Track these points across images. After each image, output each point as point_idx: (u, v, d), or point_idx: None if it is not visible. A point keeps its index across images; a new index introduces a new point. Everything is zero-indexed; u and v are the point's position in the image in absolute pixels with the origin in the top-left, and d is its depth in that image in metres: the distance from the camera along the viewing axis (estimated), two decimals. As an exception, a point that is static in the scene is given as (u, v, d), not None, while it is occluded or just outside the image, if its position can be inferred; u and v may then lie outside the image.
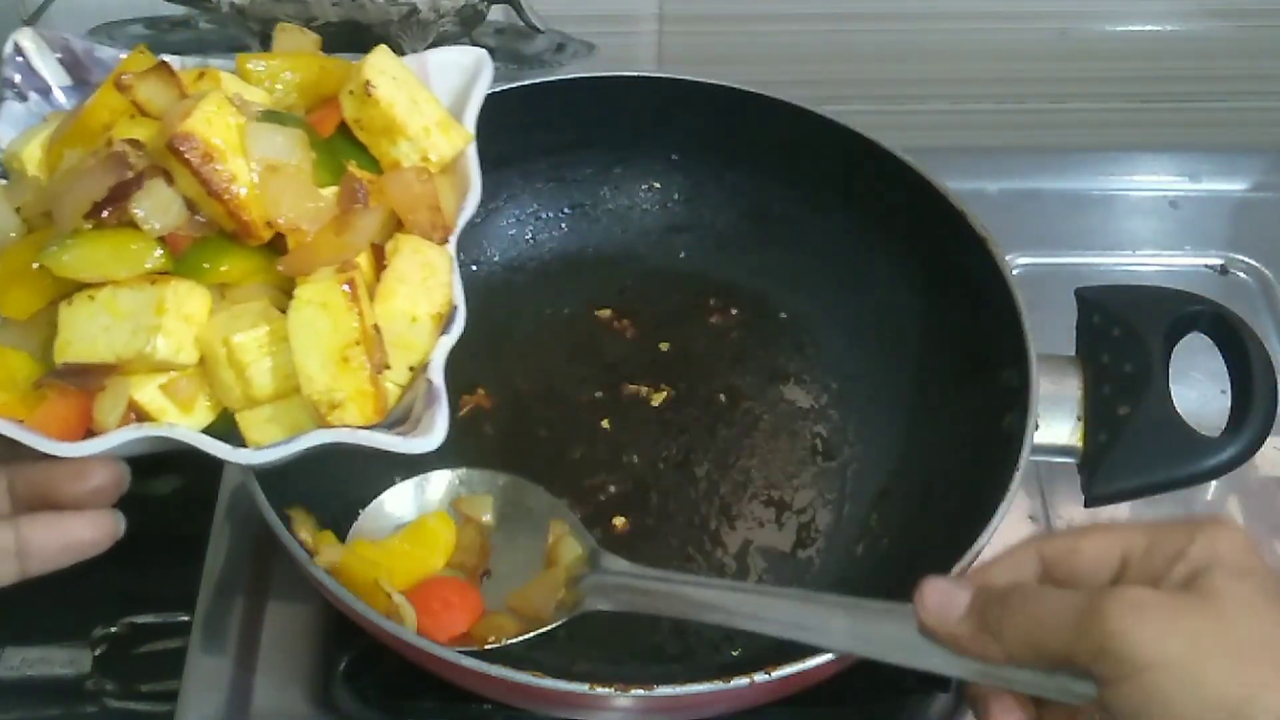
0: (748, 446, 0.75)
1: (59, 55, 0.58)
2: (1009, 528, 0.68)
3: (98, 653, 0.74)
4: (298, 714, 0.67)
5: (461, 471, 0.66)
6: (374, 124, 0.54)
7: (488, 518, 0.65)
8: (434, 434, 0.47)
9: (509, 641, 0.60)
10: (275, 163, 0.50)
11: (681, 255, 0.85)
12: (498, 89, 0.75)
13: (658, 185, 0.85)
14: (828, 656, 0.55)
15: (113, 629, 0.75)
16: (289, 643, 0.69)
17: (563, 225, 0.85)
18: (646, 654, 0.67)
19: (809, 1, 0.94)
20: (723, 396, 0.78)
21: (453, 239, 0.55)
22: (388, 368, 0.50)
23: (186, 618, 0.70)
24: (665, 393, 0.78)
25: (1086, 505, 0.64)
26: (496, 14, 0.89)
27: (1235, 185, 0.95)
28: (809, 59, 0.97)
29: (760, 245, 0.83)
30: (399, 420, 0.49)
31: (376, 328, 0.49)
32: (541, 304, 0.81)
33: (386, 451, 0.48)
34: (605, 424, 0.76)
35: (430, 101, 0.56)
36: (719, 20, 0.94)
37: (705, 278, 0.83)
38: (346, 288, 0.48)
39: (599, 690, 0.55)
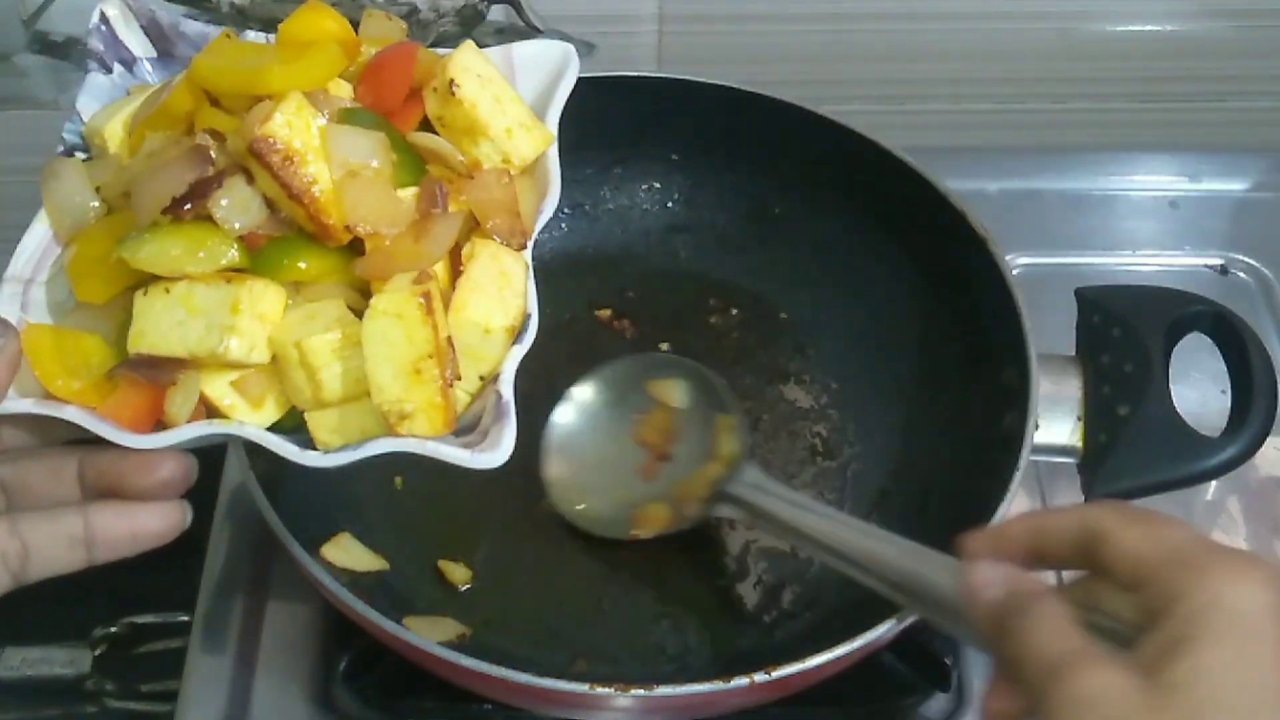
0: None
1: (143, 25, 0.58)
2: (1009, 528, 0.69)
3: (98, 653, 0.74)
4: (298, 714, 0.67)
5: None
6: (456, 123, 0.53)
7: (679, 403, 0.69)
8: (500, 450, 0.47)
9: (654, 534, 0.66)
10: (355, 166, 0.50)
11: (681, 255, 0.85)
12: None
13: (658, 185, 0.85)
14: (827, 656, 0.56)
15: (113, 629, 0.75)
16: (289, 643, 0.69)
17: (562, 225, 0.85)
18: (646, 654, 0.67)
19: (809, 1, 0.94)
20: (723, 396, 0.78)
21: (529, 243, 0.54)
22: (459, 379, 0.50)
23: (186, 618, 0.70)
24: (665, 393, 0.78)
25: (1087, 505, 0.64)
26: (497, 14, 0.89)
27: (1235, 185, 0.95)
28: (809, 59, 0.97)
29: (760, 245, 0.83)
30: (468, 428, 0.49)
31: (449, 340, 0.49)
32: (541, 304, 0.80)
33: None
34: (605, 424, 0.76)
35: (514, 100, 0.55)
36: (719, 20, 0.94)
37: (705, 278, 0.83)
38: (422, 300, 0.47)
39: (599, 690, 0.55)
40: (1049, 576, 0.50)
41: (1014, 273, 0.69)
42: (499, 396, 0.49)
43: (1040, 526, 0.49)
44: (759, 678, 0.55)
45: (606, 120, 0.80)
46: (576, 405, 0.73)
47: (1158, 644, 0.41)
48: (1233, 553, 0.44)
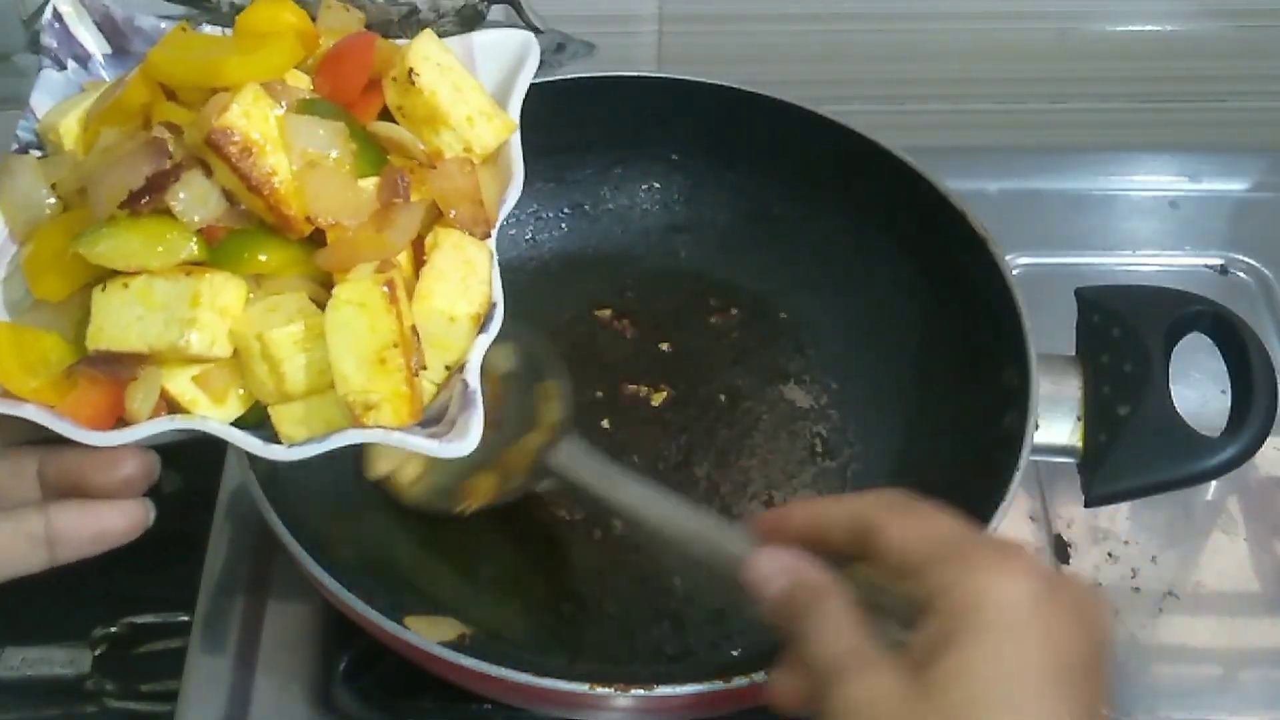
0: (748, 446, 0.75)
1: (98, 21, 0.57)
2: (1009, 528, 0.69)
3: (98, 653, 0.74)
4: (298, 714, 0.67)
5: None
6: (416, 112, 0.53)
7: (503, 368, 0.66)
8: (468, 438, 0.47)
9: (480, 505, 0.64)
10: (315, 157, 0.49)
11: (681, 255, 0.85)
12: (498, 89, 0.75)
13: (658, 185, 0.85)
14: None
15: (113, 629, 0.75)
16: (289, 643, 0.69)
17: (563, 225, 0.85)
18: (646, 654, 0.67)
19: (809, 1, 0.94)
20: (723, 396, 0.78)
21: (493, 233, 0.54)
22: (424, 368, 0.49)
23: (186, 618, 0.70)
24: (665, 393, 0.78)
25: (1087, 505, 0.64)
26: (496, 14, 0.89)
27: (1235, 185, 0.95)
28: (809, 59, 0.97)
29: (760, 245, 0.83)
30: (434, 419, 0.49)
31: (414, 329, 0.48)
32: (541, 304, 0.81)
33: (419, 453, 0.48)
34: (605, 424, 0.76)
35: (475, 89, 0.55)
36: (719, 20, 0.94)
37: (705, 278, 0.83)
38: (386, 289, 0.47)
39: (599, 690, 0.55)
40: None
41: (1014, 273, 0.69)
42: (465, 385, 0.49)
43: (818, 514, 0.50)
44: (759, 678, 0.55)
45: (606, 120, 0.80)
46: None
47: (924, 641, 0.43)
48: (997, 544, 0.45)
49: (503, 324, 0.57)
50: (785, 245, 0.82)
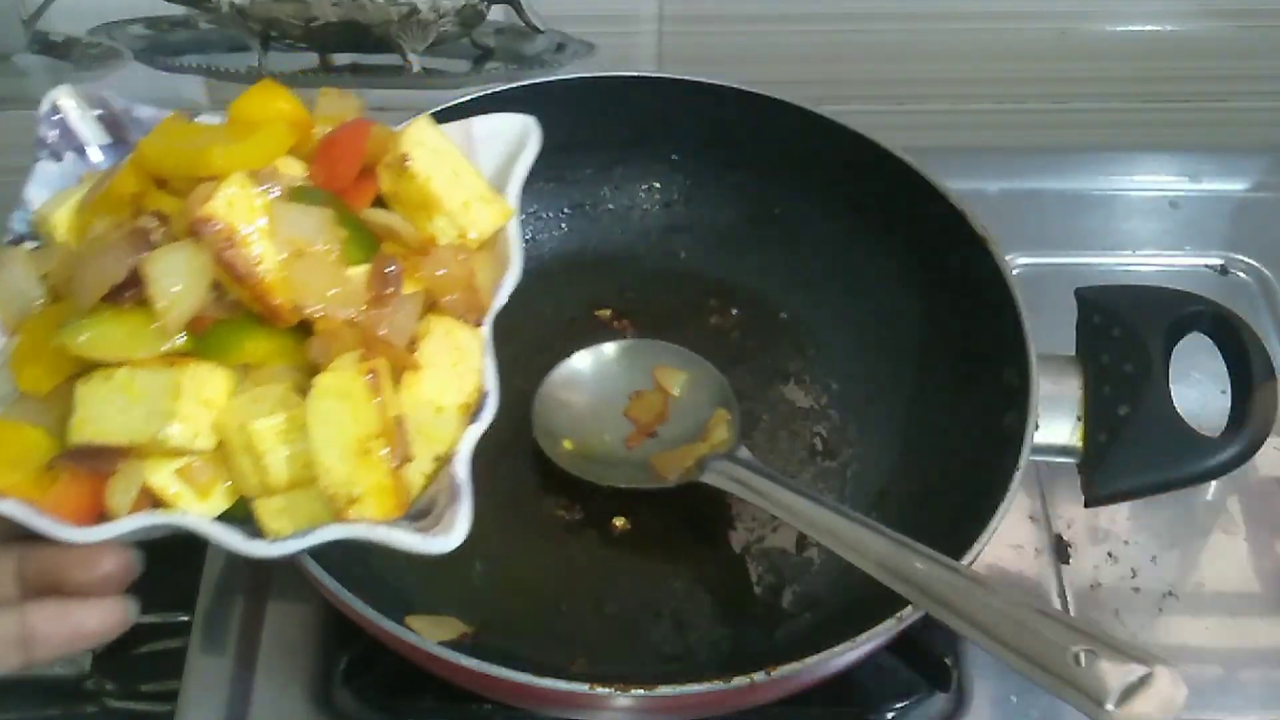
0: (747, 446, 0.75)
1: (98, 113, 0.57)
2: (1009, 528, 0.69)
3: (98, 653, 0.74)
4: (298, 714, 0.67)
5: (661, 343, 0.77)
6: (410, 198, 0.52)
7: (677, 391, 0.74)
8: (454, 534, 0.45)
9: (628, 485, 0.70)
10: (302, 245, 0.48)
11: (681, 255, 0.85)
12: (498, 89, 0.75)
13: (658, 185, 0.85)
14: (827, 656, 0.56)
15: (113, 629, 0.75)
16: (289, 643, 0.69)
17: (563, 225, 0.85)
18: (646, 654, 0.67)
19: (809, 1, 0.94)
20: (723, 396, 0.78)
21: (487, 320, 0.53)
22: (410, 459, 0.48)
23: (186, 618, 0.70)
24: (665, 393, 0.78)
25: (1087, 505, 0.64)
26: (497, 14, 0.89)
27: (1235, 185, 0.95)
28: (809, 59, 0.97)
29: (760, 245, 0.83)
30: (423, 511, 0.48)
31: (400, 419, 0.47)
32: (541, 304, 0.81)
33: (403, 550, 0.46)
34: (605, 424, 0.76)
35: (471, 174, 0.54)
36: (719, 20, 0.94)
37: (705, 278, 0.83)
38: (369, 378, 0.46)
39: (599, 690, 0.55)
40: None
41: (1014, 273, 0.69)
42: (453, 477, 0.47)
43: None
44: (759, 678, 0.55)
45: (606, 120, 0.80)
46: (592, 359, 0.76)
47: None
48: None
49: (687, 355, 0.70)
50: (785, 245, 0.82)
